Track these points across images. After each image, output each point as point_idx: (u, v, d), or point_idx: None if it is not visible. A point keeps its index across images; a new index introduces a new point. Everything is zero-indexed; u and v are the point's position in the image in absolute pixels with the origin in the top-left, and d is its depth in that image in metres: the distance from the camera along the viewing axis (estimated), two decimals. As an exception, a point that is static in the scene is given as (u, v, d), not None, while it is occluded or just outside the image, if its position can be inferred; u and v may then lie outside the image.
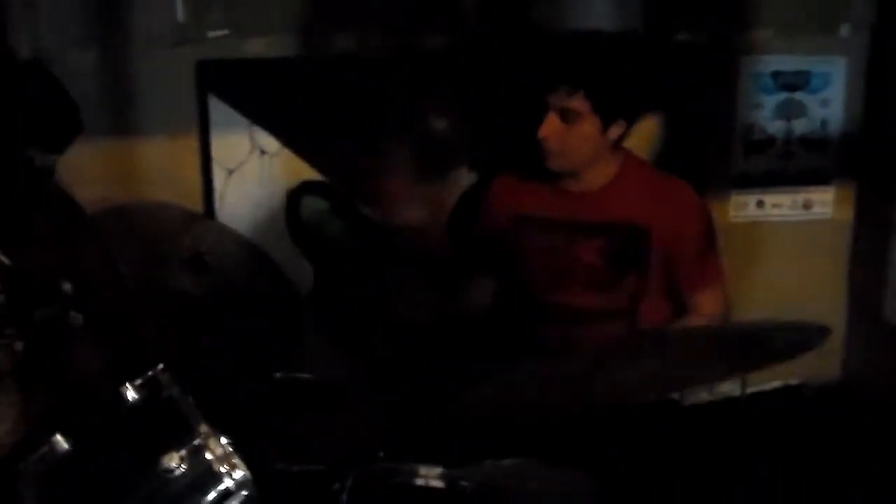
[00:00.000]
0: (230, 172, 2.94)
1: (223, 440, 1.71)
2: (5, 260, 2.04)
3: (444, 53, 2.96)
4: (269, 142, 2.94)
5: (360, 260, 3.08)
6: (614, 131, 2.51)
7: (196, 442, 1.69)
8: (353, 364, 2.88)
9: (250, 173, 2.95)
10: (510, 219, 2.68)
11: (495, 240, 2.74)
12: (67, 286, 2.10)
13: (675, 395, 2.71)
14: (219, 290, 2.58)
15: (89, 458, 1.75)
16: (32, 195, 2.23)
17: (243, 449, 1.72)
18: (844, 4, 3.22)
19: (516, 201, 2.68)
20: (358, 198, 3.04)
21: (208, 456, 1.69)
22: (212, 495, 1.67)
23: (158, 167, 2.87)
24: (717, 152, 3.26)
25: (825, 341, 1.98)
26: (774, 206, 3.33)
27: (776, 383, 3.30)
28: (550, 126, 2.48)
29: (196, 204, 2.93)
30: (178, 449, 1.68)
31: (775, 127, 3.27)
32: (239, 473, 1.68)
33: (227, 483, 1.67)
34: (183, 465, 1.67)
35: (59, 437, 1.77)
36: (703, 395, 3.06)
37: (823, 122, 3.29)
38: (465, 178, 3.06)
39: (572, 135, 2.48)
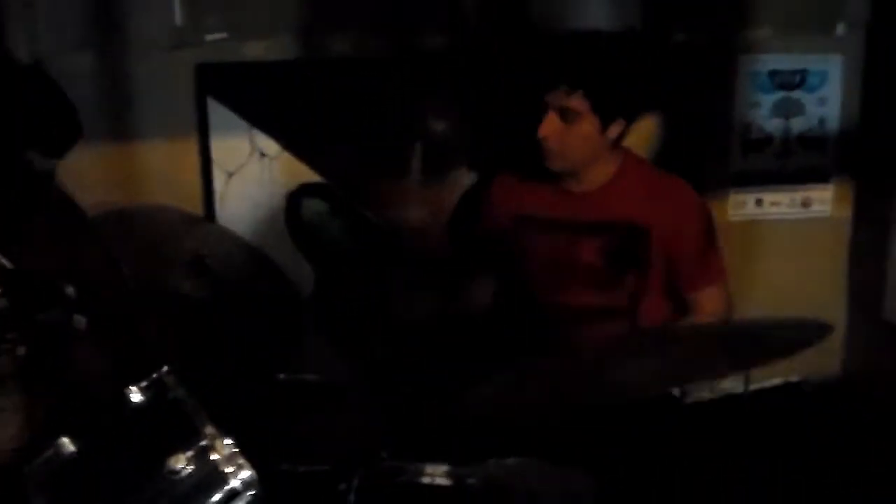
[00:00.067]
0: (230, 175, 2.94)
1: (228, 441, 1.72)
2: (7, 263, 2.04)
3: (443, 54, 2.96)
4: (269, 144, 2.94)
5: (360, 261, 3.08)
6: (613, 130, 2.51)
7: (202, 443, 1.70)
8: (354, 365, 2.88)
9: (250, 176, 2.95)
10: (510, 219, 2.69)
11: (495, 240, 2.74)
12: (70, 289, 2.10)
13: (677, 393, 2.72)
14: (220, 292, 2.58)
15: (96, 460, 1.76)
16: (33, 199, 2.24)
17: (246, 450, 1.73)
18: (840, 3, 3.22)
19: (516, 201, 2.68)
20: (358, 199, 3.04)
21: (214, 457, 1.69)
22: (218, 496, 1.68)
23: (158, 171, 2.87)
24: (716, 151, 3.27)
25: (826, 338, 1.98)
26: (773, 204, 3.34)
27: (777, 380, 3.30)
28: (550, 125, 2.48)
29: (196, 207, 2.93)
30: (184, 450, 1.69)
31: (773, 125, 3.27)
32: (245, 474, 1.69)
33: (234, 483, 1.68)
34: (189, 466, 1.68)
35: (65, 440, 1.78)
36: (704, 393, 3.06)
37: (821, 121, 3.29)
38: (465, 178, 3.06)
39: (572, 134, 2.49)
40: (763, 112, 3.26)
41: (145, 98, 2.82)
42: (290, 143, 2.95)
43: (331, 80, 2.92)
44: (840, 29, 3.24)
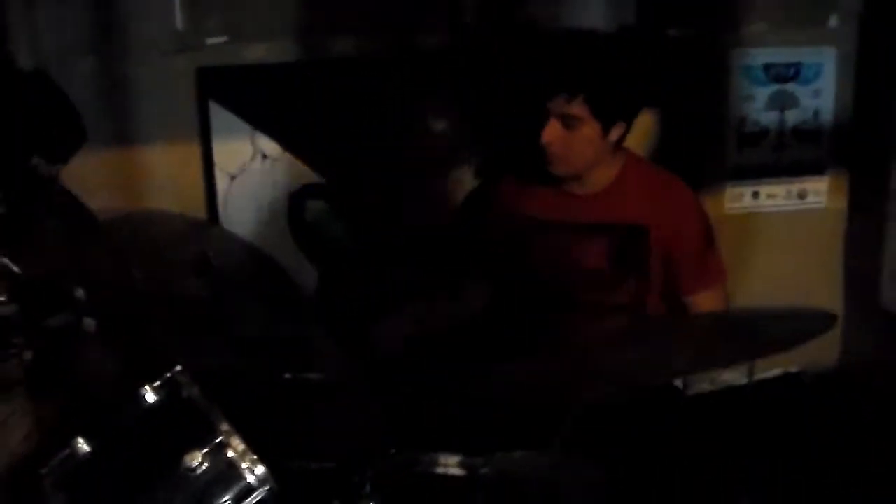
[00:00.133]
0: (232, 177, 2.94)
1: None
2: (15, 268, 2.05)
3: (443, 54, 2.97)
4: (271, 146, 2.94)
5: (361, 261, 3.10)
6: (615, 133, 2.52)
7: (218, 440, 1.72)
8: (357, 364, 2.89)
9: (252, 178, 2.95)
10: (513, 221, 2.69)
11: (497, 242, 2.75)
12: (80, 292, 2.12)
13: (680, 385, 2.75)
14: (224, 292, 2.59)
15: (112, 459, 1.77)
16: (38, 204, 2.25)
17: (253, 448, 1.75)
18: (832, -5, 3.25)
19: (519, 203, 2.68)
20: (359, 200, 3.05)
21: (230, 454, 1.72)
22: (233, 492, 1.70)
23: (161, 174, 2.88)
24: (712, 145, 3.28)
25: (832, 327, 2.00)
26: (769, 196, 3.35)
27: (777, 371, 3.32)
28: (552, 132, 2.47)
29: (199, 209, 2.94)
30: (200, 447, 1.71)
31: (768, 118, 3.29)
32: (259, 470, 1.72)
33: (249, 479, 1.70)
34: (205, 464, 1.70)
35: (80, 440, 1.80)
36: (705, 385, 3.08)
37: (816, 113, 3.31)
38: (467, 179, 3.07)
39: (574, 140, 2.48)
40: (758, 105, 3.27)
41: (147, 102, 2.83)
42: (291, 144, 2.95)
43: (331, 81, 2.92)
44: (833, 21, 3.25)
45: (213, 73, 2.86)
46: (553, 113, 2.47)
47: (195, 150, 2.92)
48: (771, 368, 3.31)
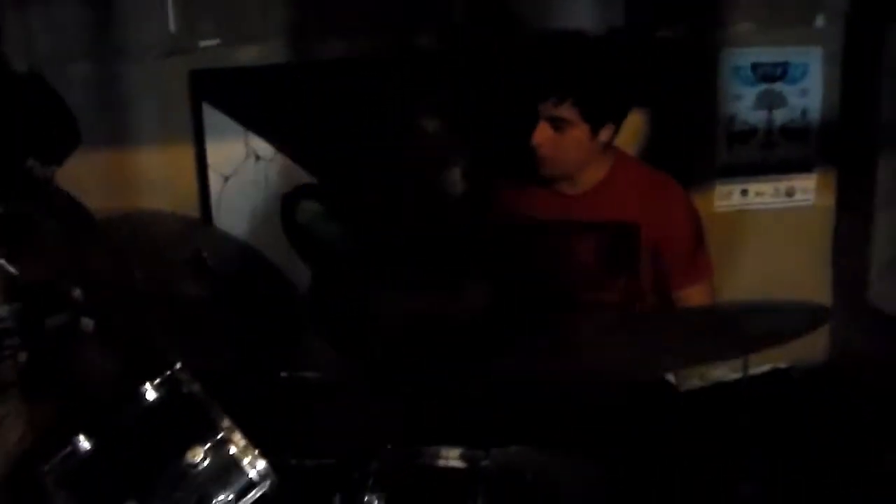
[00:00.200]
0: (226, 178, 2.96)
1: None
2: (12, 270, 2.06)
3: (436, 55, 2.99)
4: (264, 147, 2.96)
5: (355, 261, 3.11)
6: (604, 134, 2.53)
7: (219, 436, 1.73)
8: (352, 363, 2.90)
9: (246, 179, 2.96)
10: (504, 221, 2.70)
11: (489, 241, 2.75)
12: (77, 292, 2.13)
13: (672, 380, 2.76)
14: (219, 292, 2.60)
15: (114, 456, 1.78)
16: (36, 205, 2.26)
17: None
18: (818, -5, 3.28)
19: (510, 204, 2.70)
20: (352, 201, 3.06)
21: (231, 449, 1.73)
22: (235, 487, 1.71)
23: (155, 175, 2.89)
24: (701, 144, 3.30)
25: (825, 321, 2.01)
26: (758, 194, 3.38)
27: (766, 367, 3.34)
28: (542, 134, 2.49)
29: (193, 210, 2.95)
30: (201, 443, 1.72)
31: (757, 117, 3.31)
32: (261, 465, 1.73)
33: (251, 474, 1.72)
34: (207, 459, 1.72)
35: (81, 438, 1.81)
36: (695, 381, 3.10)
37: (803, 112, 3.34)
38: (459, 181, 3.08)
39: (564, 141, 2.50)
40: (746, 104, 3.30)
41: (141, 104, 2.84)
42: (284, 145, 2.97)
43: (324, 83, 2.94)
44: (820, 21, 3.28)
45: (206, 75, 2.88)
46: (542, 115, 2.49)
47: (189, 152, 2.93)
48: (760, 364, 3.32)
